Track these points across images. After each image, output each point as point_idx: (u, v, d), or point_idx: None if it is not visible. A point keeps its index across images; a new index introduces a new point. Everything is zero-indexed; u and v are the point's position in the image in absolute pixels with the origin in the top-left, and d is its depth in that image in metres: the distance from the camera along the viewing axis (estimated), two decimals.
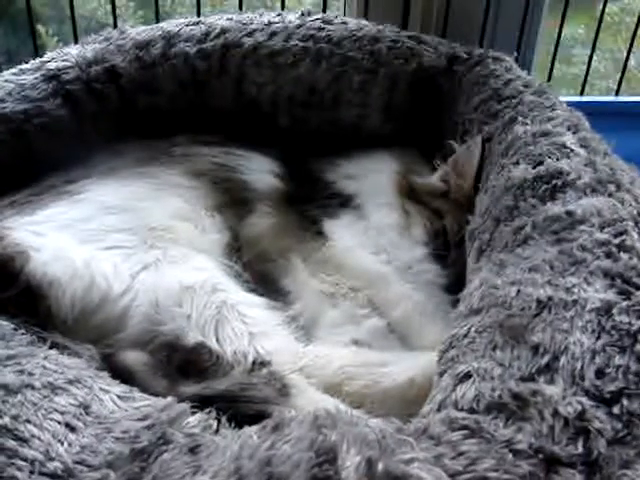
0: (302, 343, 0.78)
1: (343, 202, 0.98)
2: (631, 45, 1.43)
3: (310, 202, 0.97)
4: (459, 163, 0.96)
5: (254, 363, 0.72)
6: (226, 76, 1.05)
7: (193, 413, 0.57)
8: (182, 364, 0.71)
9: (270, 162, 0.99)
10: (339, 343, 0.81)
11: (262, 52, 1.05)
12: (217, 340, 0.74)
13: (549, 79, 1.40)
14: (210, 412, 0.58)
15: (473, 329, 0.61)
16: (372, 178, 1.02)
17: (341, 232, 0.93)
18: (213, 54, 1.04)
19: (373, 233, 0.94)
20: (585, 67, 1.47)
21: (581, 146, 0.75)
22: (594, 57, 1.44)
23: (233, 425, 0.59)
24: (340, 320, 0.84)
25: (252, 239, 0.92)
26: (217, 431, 0.57)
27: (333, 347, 0.78)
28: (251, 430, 0.53)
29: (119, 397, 0.58)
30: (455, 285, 0.88)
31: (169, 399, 0.58)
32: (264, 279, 0.89)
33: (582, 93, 1.45)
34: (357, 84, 1.05)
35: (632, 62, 2.02)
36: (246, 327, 0.76)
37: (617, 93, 1.49)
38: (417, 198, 1.00)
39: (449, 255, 0.94)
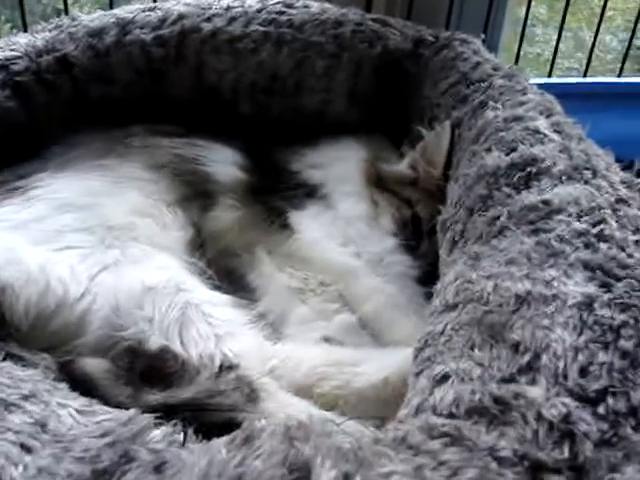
0: (271, 342, 0.75)
1: (309, 192, 0.94)
2: (598, 26, 1.41)
3: (275, 193, 0.93)
4: (428, 150, 0.93)
5: (221, 367, 0.69)
6: (184, 64, 1.01)
7: (158, 425, 0.54)
8: (145, 370, 0.67)
9: (233, 153, 0.95)
10: (309, 341, 0.78)
11: (221, 38, 1.00)
12: (182, 343, 0.70)
13: (517, 61, 1.38)
14: (176, 424, 0.55)
15: (449, 326, 0.58)
16: (338, 166, 0.99)
17: (307, 224, 0.89)
18: (170, 41, 1.00)
19: (341, 224, 0.91)
20: (546, 46, 1.44)
21: (555, 131, 0.72)
22: (554, 36, 1.42)
23: (201, 436, 0.56)
24: (310, 316, 0.81)
25: (216, 234, 0.88)
26: (184, 443, 0.53)
27: (303, 346, 0.75)
28: (220, 443, 0.49)
29: (78, 411, 0.54)
30: (427, 277, 0.86)
31: (132, 411, 0.54)
32: (229, 275, 0.86)
33: (550, 75, 1.43)
34: (320, 69, 1.01)
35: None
36: (212, 328, 0.72)
37: (585, 74, 1.47)
38: (385, 187, 0.97)
39: (420, 245, 0.91)
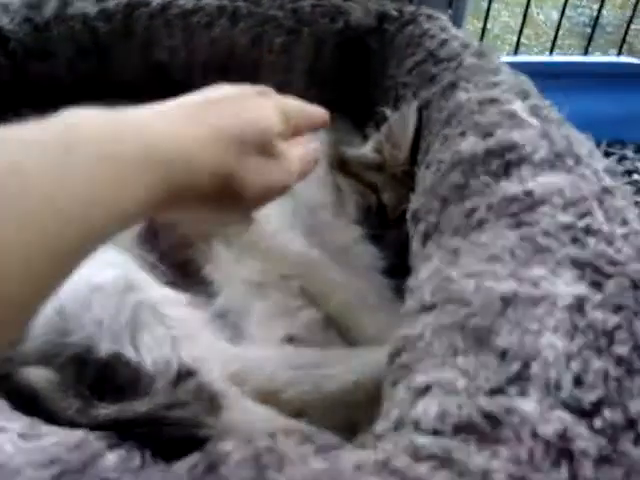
0: (232, 344, 0.69)
1: None
2: (565, 5, 1.38)
3: None
4: (393, 132, 0.88)
5: (179, 374, 0.63)
6: (132, 39, 0.93)
7: (112, 447, 0.48)
8: (95, 380, 0.62)
9: None
10: (272, 340, 0.73)
11: (172, 12, 0.93)
12: (135, 349, 0.64)
13: (482, 38, 1.34)
14: (131, 446, 0.49)
15: (428, 330, 0.54)
16: None
17: (267, 212, 0.83)
18: (116, 14, 0.92)
19: (303, 213, 0.85)
20: (495, 22, 1.40)
21: (533, 115, 0.68)
22: (503, 12, 1.38)
23: (159, 457, 0.50)
24: (272, 313, 0.76)
25: (169, 223, 0.82)
26: (142, 466, 0.48)
27: (267, 347, 0.70)
28: (181, 469, 0.44)
29: (20, 435, 0.48)
30: (394, 268, 0.81)
31: (81, 433, 0.49)
32: (185, 269, 0.80)
33: (516, 53, 1.39)
34: (278, 46, 0.95)
35: (541, 17, 1.99)
36: (167, 330, 0.66)
37: (551, 52, 1.43)
38: (349, 171, 0.91)
39: (386, 234, 0.86)
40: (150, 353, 0.64)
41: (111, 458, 0.47)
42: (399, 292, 0.71)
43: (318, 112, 0.71)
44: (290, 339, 0.73)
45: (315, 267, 0.80)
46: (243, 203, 0.57)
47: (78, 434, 0.48)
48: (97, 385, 0.61)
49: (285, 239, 0.82)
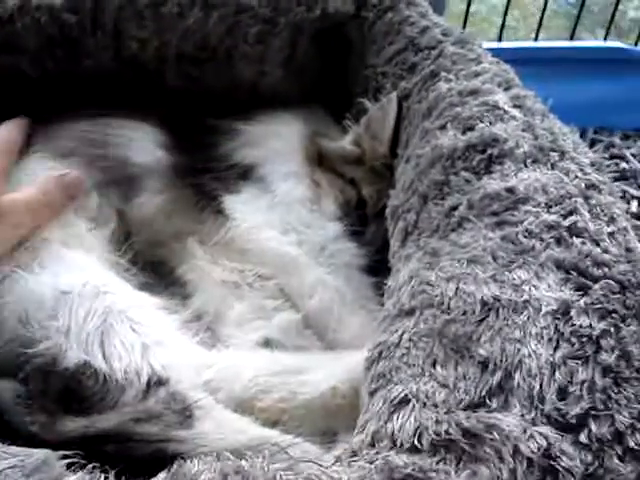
0: (206, 349, 0.67)
1: (243, 173, 0.84)
2: None
3: (205, 175, 0.83)
4: (372, 124, 0.85)
5: (149, 383, 0.60)
6: (101, 31, 0.89)
7: (74, 469, 0.45)
8: (61, 393, 0.58)
9: (156, 131, 0.84)
10: (248, 343, 0.70)
11: (142, 2, 0.89)
12: (104, 357, 0.61)
13: (464, 25, 1.30)
14: (93, 470, 0.46)
15: (406, 336, 0.51)
16: (275, 144, 0.89)
17: (243, 210, 0.80)
18: (84, 5, 0.88)
19: (280, 209, 0.81)
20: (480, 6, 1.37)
21: (515, 106, 0.65)
22: None
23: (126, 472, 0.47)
24: (248, 315, 0.73)
25: (142, 222, 0.79)
26: None
27: (242, 352, 0.67)
28: None
29: None
30: (375, 265, 0.78)
31: (42, 454, 0.45)
32: (158, 268, 0.77)
33: (500, 38, 1.36)
34: (253, 36, 0.91)
35: None
36: (138, 337, 0.63)
37: (536, 38, 1.40)
38: (327, 165, 0.88)
39: (367, 230, 0.83)
40: (119, 362, 0.61)
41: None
42: (380, 290, 0.68)
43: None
44: (266, 342, 0.70)
45: (292, 266, 0.77)
46: None
47: (37, 456, 0.45)
48: (63, 397, 0.58)
49: (261, 237, 0.78)
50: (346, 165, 0.87)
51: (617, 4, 1.48)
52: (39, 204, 0.70)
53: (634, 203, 1.31)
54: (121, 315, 0.64)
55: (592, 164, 0.59)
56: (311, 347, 0.71)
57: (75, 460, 0.47)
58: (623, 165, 1.39)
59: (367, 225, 0.84)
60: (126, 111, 0.85)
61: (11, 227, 0.67)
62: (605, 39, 1.47)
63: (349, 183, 0.86)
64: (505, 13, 1.37)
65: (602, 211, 0.55)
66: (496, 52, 0.80)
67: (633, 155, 1.42)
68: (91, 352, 0.61)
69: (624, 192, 1.30)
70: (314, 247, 0.78)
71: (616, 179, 1.30)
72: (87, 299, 0.64)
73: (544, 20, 1.42)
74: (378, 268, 0.76)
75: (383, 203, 0.75)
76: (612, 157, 1.42)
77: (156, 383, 0.60)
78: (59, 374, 0.60)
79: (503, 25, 1.36)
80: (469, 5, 1.39)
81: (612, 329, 0.46)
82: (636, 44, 1.51)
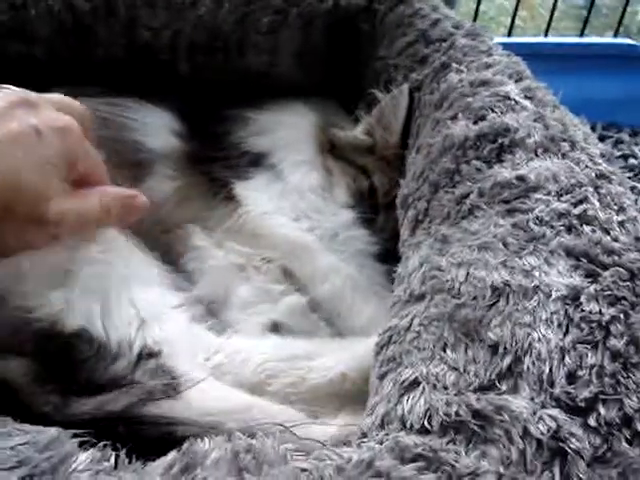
0: (214, 334, 0.67)
1: (254, 161, 0.84)
2: None
3: (217, 162, 0.83)
4: (384, 115, 0.85)
5: (140, 355, 0.60)
6: (114, 19, 0.90)
7: (84, 447, 0.46)
8: (56, 356, 0.58)
9: (168, 116, 0.85)
10: (255, 326, 0.70)
11: None
12: (103, 327, 0.61)
13: (475, 19, 1.30)
14: (106, 446, 0.46)
15: (417, 321, 0.52)
16: (286, 133, 0.89)
17: (255, 196, 0.80)
18: None
19: (292, 196, 0.82)
20: (491, 5, 1.36)
21: (526, 97, 0.65)
22: None
23: (135, 456, 0.48)
24: (254, 298, 0.73)
25: (150, 206, 0.79)
26: (116, 467, 0.45)
27: (251, 338, 0.68)
28: (156, 470, 0.42)
29: None
30: (386, 253, 0.79)
31: (54, 432, 0.46)
32: (165, 254, 0.77)
33: (510, 34, 1.36)
34: (265, 26, 0.92)
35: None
36: (136, 311, 0.63)
37: (546, 34, 1.40)
38: (339, 154, 0.88)
39: (378, 218, 0.84)
40: (116, 332, 0.61)
41: (83, 459, 0.44)
42: (391, 278, 0.69)
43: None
44: (273, 325, 0.71)
45: (304, 252, 0.77)
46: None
47: (49, 433, 0.46)
48: (58, 361, 0.59)
49: (275, 224, 0.79)
50: (358, 154, 0.87)
51: (626, 5, 1.48)
52: (91, 220, 0.63)
53: None
54: (124, 287, 0.65)
55: (602, 155, 0.60)
56: (317, 331, 0.72)
57: (86, 439, 0.47)
58: (632, 161, 1.39)
59: (378, 214, 0.84)
60: (141, 95, 0.85)
61: (49, 237, 0.61)
62: (615, 36, 1.47)
63: (361, 171, 0.86)
64: (515, 10, 1.37)
65: (612, 200, 0.55)
66: (506, 47, 0.80)
67: None
68: (91, 320, 0.61)
69: (632, 188, 1.30)
70: (326, 233, 0.79)
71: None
72: (93, 269, 0.64)
73: (552, 22, 1.42)
74: (388, 257, 0.77)
75: (395, 192, 0.76)
76: (620, 154, 1.42)
77: (147, 355, 0.61)
78: (55, 338, 0.60)
79: (513, 22, 1.35)
80: (479, 4, 1.39)
81: (621, 315, 0.46)
82: None
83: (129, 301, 0.64)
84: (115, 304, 0.64)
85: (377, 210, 0.84)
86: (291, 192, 0.83)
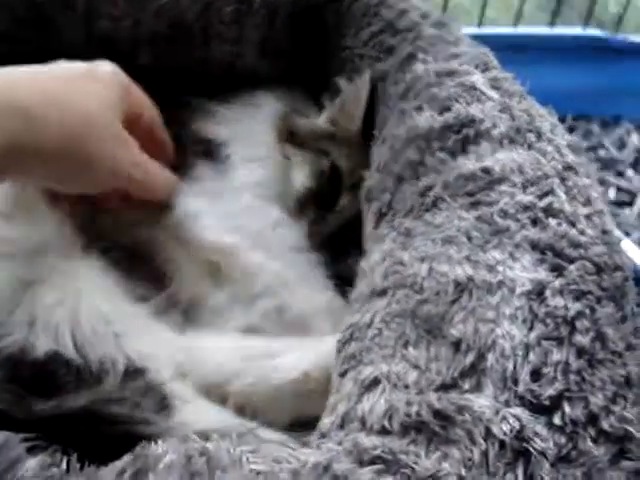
0: (176, 333, 0.65)
1: (206, 152, 0.80)
2: None
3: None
4: (346, 103, 0.84)
5: (126, 372, 0.58)
6: (72, 10, 0.87)
7: (34, 451, 0.44)
8: (32, 380, 0.56)
9: None
10: (229, 330, 0.68)
11: None
12: (75, 347, 0.58)
13: (444, 9, 1.29)
14: (55, 451, 0.44)
15: (378, 317, 0.50)
16: (246, 124, 0.86)
17: (190, 194, 0.76)
18: None
19: (227, 194, 0.78)
20: None
21: (493, 88, 0.64)
22: None
23: (88, 461, 0.46)
24: (227, 302, 0.71)
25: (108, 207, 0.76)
26: (67, 471, 0.43)
27: (214, 337, 0.65)
28: (107, 476, 0.40)
29: None
30: (340, 236, 0.78)
31: (2, 436, 0.44)
32: (134, 252, 0.74)
33: (480, 24, 1.35)
34: (229, 15, 0.89)
35: None
36: (109, 326, 0.61)
37: (515, 25, 1.39)
38: (299, 142, 0.86)
39: (339, 199, 0.82)
40: (93, 351, 0.58)
41: (31, 464, 0.42)
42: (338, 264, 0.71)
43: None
44: (248, 329, 0.68)
45: (230, 253, 0.74)
46: (87, 175, 0.61)
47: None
48: (35, 385, 0.56)
49: (200, 225, 0.74)
50: (319, 140, 0.85)
51: None
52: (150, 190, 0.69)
53: (612, 190, 1.31)
54: (90, 302, 0.62)
55: (569, 146, 0.58)
56: (292, 332, 0.70)
57: (37, 443, 0.45)
58: (601, 153, 1.40)
59: (339, 194, 0.82)
60: None
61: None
62: (584, 27, 1.47)
63: (322, 153, 0.84)
64: (485, 1, 1.35)
65: (579, 193, 0.54)
66: (475, 38, 0.79)
67: (611, 143, 1.43)
68: (61, 342, 0.58)
69: (602, 180, 1.30)
70: (252, 233, 0.76)
71: None
72: (54, 286, 0.62)
73: (524, 13, 1.42)
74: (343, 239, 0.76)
75: (359, 173, 0.75)
76: (590, 146, 1.43)
77: (133, 373, 0.58)
78: (28, 364, 0.57)
79: (483, 13, 1.34)
80: None
81: (587, 310, 0.45)
82: (616, 32, 1.50)
83: (101, 317, 0.62)
84: (86, 321, 0.61)
85: (338, 191, 0.82)
86: (228, 191, 0.79)
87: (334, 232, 0.80)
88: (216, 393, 0.60)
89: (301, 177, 0.82)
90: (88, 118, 0.59)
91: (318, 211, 0.82)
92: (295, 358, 0.62)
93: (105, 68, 0.66)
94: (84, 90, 0.61)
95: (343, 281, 0.69)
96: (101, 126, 0.60)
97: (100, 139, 0.60)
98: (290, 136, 0.86)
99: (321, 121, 0.87)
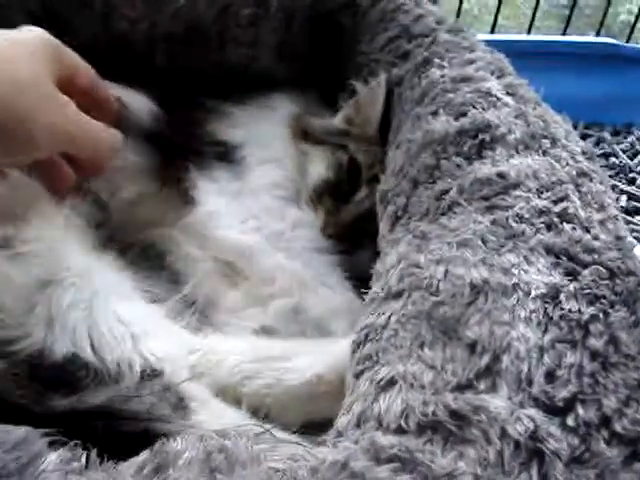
0: (192, 334, 0.65)
1: (222, 154, 0.82)
2: None
3: (188, 153, 0.81)
4: (362, 106, 0.85)
5: (143, 374, 0.58)
6: (90, 10, 0.88)
7: (54, 446, 0.44)
8: (51, 380, 0.56)
9: (147, 100, 0.83)
10: (244, 330, 0.69)
11: None
12: (92, 349, 0.58)
13: (458, 15, 1.30)
14: (74, 448, 0.45)
15: (394, 319, 0.51)
16: (262, 126, 0.87)
17: (209, 193, 0.77)
18: None
19: (245, 195, 0.79)
20: (474, 2, 1.36)
21: (508, 94, 0.65)
22: None
23: (108, 455, 0.46)
24: (242, 302, 0.72)
25: (121, 208, 0.76)
26: (87, 467, 0.44)
27: (229, 338, 0.66)
28: (127, 471, 0.41)
29: None
30: (356, 229, 0.80)
31: (22, 431, 0.44)
32: (147, 254, 0.74)
33: (492, 31, 1.35)
34: (245, 19, 0.90)
35: None
36: (126, 328, 0.61)
37: (529, 32, 1.40)
38: (314, 140, 0.87)
39: (357, 191, 0.83)
40: (110, 353, 0.59)
41: (52, 459, 0.43)
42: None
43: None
44: (262, 329, 0.69)
45: (250, 253, 0.74)
46: (27, 140, 0.59)
47: (18, 433, 0.44)
48: (53, 385, 0.57)
49: (219, 225, 0.76)
50: (335, 137, 0.86)
51: (608, 5, 1.48)
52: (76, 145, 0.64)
53: (623, 198, 1.31)
54: (106, 303, 0.62)
55: (583, 152, 0.59)
56: (307, 333, 0.70)
57: (57, 438, 0.46)
58: (613, 160, 1.40)
59: (357, 187, 0.83)
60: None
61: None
62: (597, 35, 1.47)
63: (340, 148, 0.85)
64: (498, 7, 1.36)
65: (593, 199, 0.54)
66: (489, 45, 0.79)
67: (623, 150, 1.43)
68: (79, 344, 0.58)
69: (613, 187, 1.31)
70: (272, 234, 0.77)
71: None
72: (70, 286, 0.61)
73: (535, 21, 1.42)
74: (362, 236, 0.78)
75: (378, 169, 0.76)
76: (602, 153, 1.43)
77: (150, 374, 0.59)
78: (46, 366, 0.57)
79: (496, 19, 1.35)
80: (461, 1, 1.38)
81: (601, 314, 0.46)
82: (627, 41, 1.51)
83: (117, 318, 0.62)
84: (102, 323, 0.61)
85: (357, 184, 0.83)
86: (246, 192, 0.80)
87: (350, 224, 0.81)
88: (230, 394, 0.61)
89: (319, 169, 0.83)
90: (17, 83, 0.58)
91: (335, 202, 0.83)
92: (309, 360, 0.62)
93: (31, 32, 0.65)
94: (11, 56, 0.59)
95: (358, 276, 0.70)
96: (32, 89, 0.59)
97: (33, 102, 0.59)
98: (305, 135, 0.86)
99: (337, 121, 0.88)
